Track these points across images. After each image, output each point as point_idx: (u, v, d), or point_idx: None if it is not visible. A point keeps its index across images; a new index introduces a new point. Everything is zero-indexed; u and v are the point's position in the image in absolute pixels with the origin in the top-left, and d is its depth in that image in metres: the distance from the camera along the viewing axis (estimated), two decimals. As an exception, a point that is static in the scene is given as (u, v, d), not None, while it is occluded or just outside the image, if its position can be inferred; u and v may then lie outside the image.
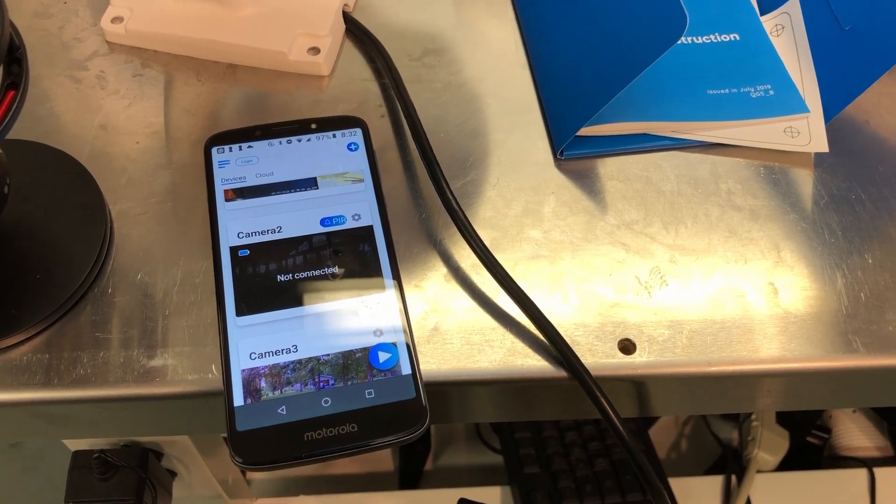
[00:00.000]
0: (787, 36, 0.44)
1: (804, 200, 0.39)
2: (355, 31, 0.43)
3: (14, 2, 0.45)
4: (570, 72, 0.41)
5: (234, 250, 0.35)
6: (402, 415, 0.31)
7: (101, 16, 0.43)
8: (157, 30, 0.42)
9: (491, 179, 0.39)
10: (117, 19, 0.42)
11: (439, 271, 0.36)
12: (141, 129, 0.40)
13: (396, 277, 0.34)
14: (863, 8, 0.40)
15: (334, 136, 0.39)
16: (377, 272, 0.34)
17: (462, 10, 0.46)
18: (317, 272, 0.34)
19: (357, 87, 0.42)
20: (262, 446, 0.30)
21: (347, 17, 0.43)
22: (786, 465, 0.71)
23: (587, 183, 0.39)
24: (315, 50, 0.41)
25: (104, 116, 0.40)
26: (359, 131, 0.39)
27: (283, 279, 0.34)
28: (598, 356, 0.34)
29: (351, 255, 0.35)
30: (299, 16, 0.42)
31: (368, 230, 0.36)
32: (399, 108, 0.41)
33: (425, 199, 0.38)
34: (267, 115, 0.41)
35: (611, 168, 0.40)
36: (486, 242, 0.35)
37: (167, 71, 0.42)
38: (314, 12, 0.42)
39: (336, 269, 0.34)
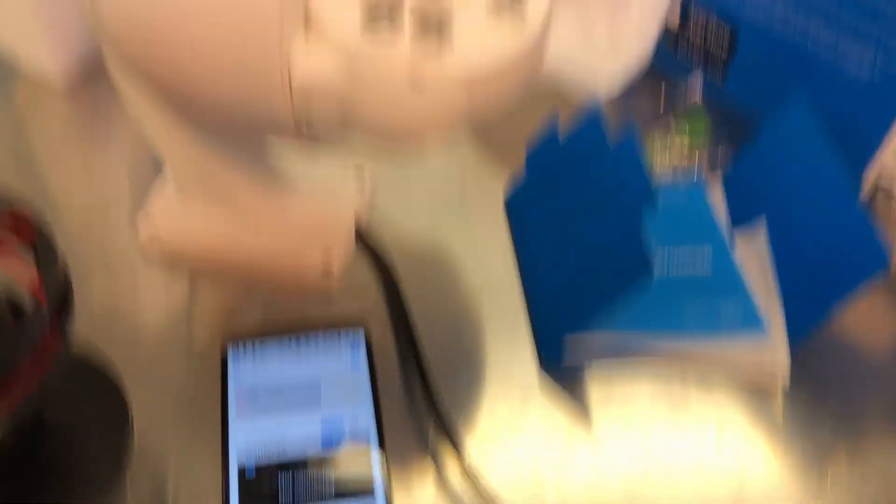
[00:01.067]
0: (755, 263, 0.48)
1: (770, 420, 0.42)
2: (365, 246, 0.48)
3: (63, 211, 0.51)
4: (554, 289, 0.46)
5: (241, 471, 0.39)
6: None
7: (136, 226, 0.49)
8: (185, 245, 0.47)
9: (481, 387, 0.43)
10: (152, 236, 0.48)
11: (430, 477, 0.39)
12: (164, 328, 0.45)
13: (388, 494, 0.38)
14: (821, 237, 0.45)
15: (339, 337, 0.44)
16: (370, 491, 0.38)
17: (465, 223, 0.51)
18: (316, 491, 0.38)
19: (363, 292, 0.47)
20: None
21: (359, 232, 0.49)
22: None
23: (570, 391, 0.43)
24: (327, 270, 0.46)
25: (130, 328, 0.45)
26: (361, 334, 0.44)
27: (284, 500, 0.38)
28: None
29: (347, 475, 0.39)
30: (314, 236, 0.47)
31: (365, 446, 0.40)
32: (398, 317, 0.45)
33: (419, 403, 0.42)
34: (276, 321, 0.45)
35: (593, 378, 0.44)
36: (474, 450, 0.39)
37: (191, 277, 0.48)
38: (328, 233, 0.48)
39: (333, 490, 0.38)
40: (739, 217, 0.50)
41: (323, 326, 0.44)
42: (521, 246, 0.50)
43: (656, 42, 0.54)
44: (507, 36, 0.34)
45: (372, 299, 0.47)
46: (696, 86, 0.58)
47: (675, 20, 0.58)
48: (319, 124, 0.35)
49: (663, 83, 0.59)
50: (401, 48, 0.33)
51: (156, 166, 0.51)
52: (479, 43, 0.33)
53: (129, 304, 0.46)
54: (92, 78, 0.58)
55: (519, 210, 0.51)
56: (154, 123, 0.42)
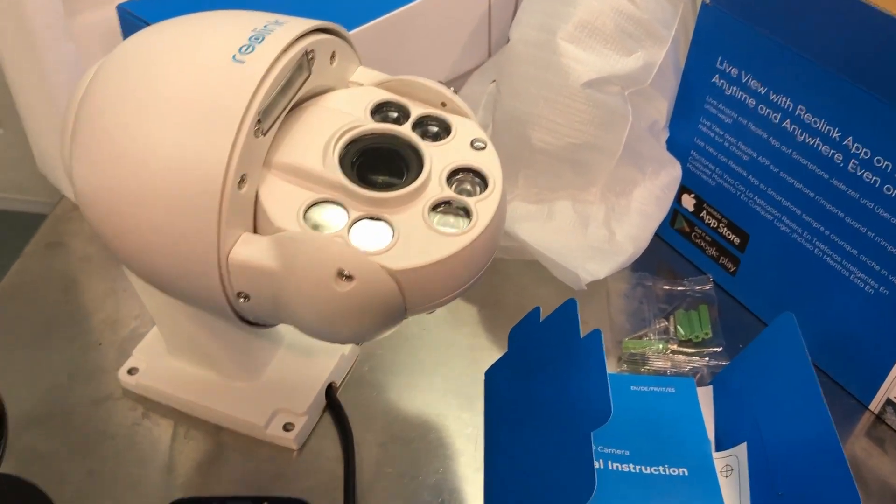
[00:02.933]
0: (733, 480, 0.45)
1: None
2: (333, 412, 0.48)
3: (67, 337, 0.53)
4: (511, 484, 0.44)
5: None
6: None
7: (124, 359, 0.50)
8: (161, 387, 0.48)
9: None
10: (133, 370, 0.49)
11: None
12: (123, 477, 0.45)
13: None
14: (796, 480, 0.42)
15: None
16: None
17: (441, 400, 0.50)
18: None
19: (322, 465, 0.46)
20: None
21: (330, 396, 0.48)
22: None
23: None
24: (289, 426, 0.46)
25: (93, 462, 0.46)
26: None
27: None
28: None
29: None
30: (284, 392, 0.48)
31: None
32: (348, 495, 0.44)
33: None
34: (232, 480, 0.45)
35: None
36: None
37: (162, 424, 0.48)
38: (298, 390, 0.48)
39: None
40: (725, 431, 0.48)
41: (268, 498, 0.43)
42: (491, 427, 0.48)
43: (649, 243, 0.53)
44: (445, 238, 0.34)
45: (329, 471, 0.46)
46: (706, 286, 0.57)
47: (688, 219, 0.58)
48: (257, 312, 0.36)
49: (670, 277, 0.58)
50: (334, 236, 0.33)
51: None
52: (418, 244, 0.34)
53: (99, 436, 0.47)
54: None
55: (494, 387, 0.50)
56: (140, 284, 0.44)
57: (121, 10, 0.52)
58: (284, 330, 0.49)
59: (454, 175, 0.37)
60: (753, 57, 0.49)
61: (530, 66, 0.51)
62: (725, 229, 0.56)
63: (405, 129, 0.37)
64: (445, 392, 0.51)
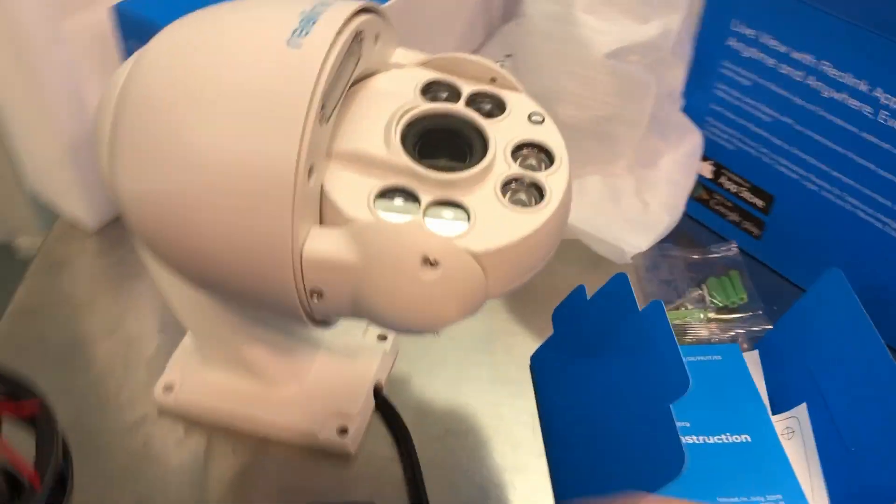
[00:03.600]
0: (797, 441, 0.45)
1: None
2: (384, 412, 0.46)
3: (88, 360, 0.50)
4: (579, 467, 0.43)
5: None
6: None
7: (153, 378, 0.47)
8: (202, 401, 0.46)
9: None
10: (168, 388, 0.46)
11: None
12: (175, 502, 0.43)
13: None
14: (867, 434, 0.42)
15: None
16: None
17: (489, 389, 0.49)
18: None
19: (380, 466, 0.45)
20: None
21: (378, 395, 0.47)
22: None
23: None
24: (344, 431, 0.44)
25: (141, 488, 0.43)
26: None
27: None
28: None
29: None
30: (333, 394, 0.46)
31: None
32: (415, 494, 0.43)
33: None
34: (290, 491, 0.43)
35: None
36: None
37: (207, 441, 0.46)
38: (347, 391, 0.46)
39: None
40: (779, 394, 0.48)
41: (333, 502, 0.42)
42: (546, 411, 0.47)
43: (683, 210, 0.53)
44: (522, 216, 0.33)
45: (388, 473, 0.44)
46: (731, 252, 0.56)
47: (706, 184, 0.58)
48: (331, 309, 0.34)
49: (696, 247, 0.58)
50: (415, 223, 0.32)
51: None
52: (496, 224, 0.33)
53: (141, 461, 0.44)
54: (116, 220, 0.59)
55: (543, 370, 0.49)
56: (175, 295, 0.41)
57: (117, 9, 0.50)
58: (321, 332, 0.47)
59: (518, 151, 0.36)
60: (770, 16, 0.49)
61: (550, 39, 0.50)
62: (748, 193, 0.56)
63: (462, 108, 0.36)
64: (493, 381, 0.49)
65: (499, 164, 0.35)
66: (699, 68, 0.54)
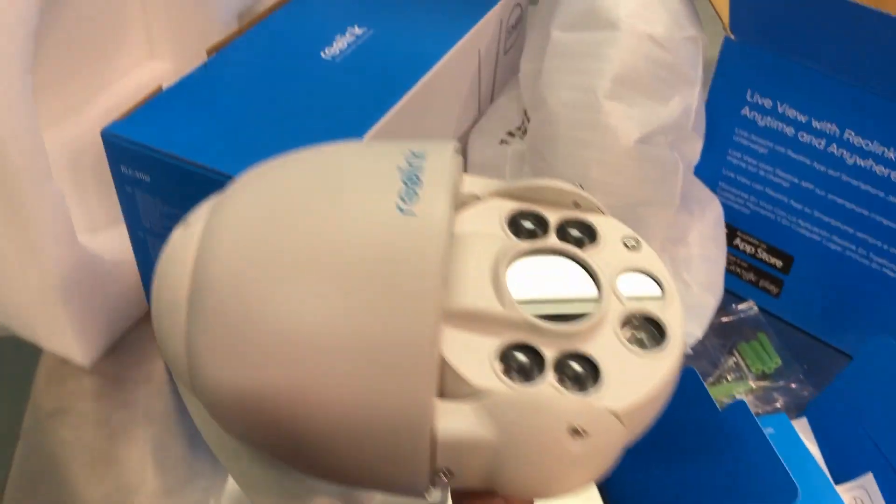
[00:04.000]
0: (869, 514, 0.45)
1: None
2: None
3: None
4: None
5: None
6: None
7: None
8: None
9: None
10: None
11: None
12: None
13: None
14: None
15: None
16: None
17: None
18: None
19: None
20: None
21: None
22: None
23: None
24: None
25: None
26: None
27: None
28: None
29: None
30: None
31: None
32: None
33: None
34: None
35: None
36: None
37: None
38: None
39: None
40: (837, 463, 0.48)
41: None
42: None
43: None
44: (649, 360, 0.31)
45: None
46: (752, 311, 0.56)
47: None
48: (457, 484, 0.31)
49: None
50: (554, 391, 0.30)
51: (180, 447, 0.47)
52: (628, 373, 0.31)
53: None
54: (113, 351, 0.54)
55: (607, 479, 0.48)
56: (237, 464, 0.38)
57: (107, 134, 0.45)
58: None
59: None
60: (789, 86, 0.49)
61: (575, 128, 0.48)
62: (765, 254, 0.56)
63: (559, 243, 0.34)
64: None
65: (613, 302, 0.33)
66: (710, 136, 0.54)
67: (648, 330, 0.33)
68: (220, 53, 0.52)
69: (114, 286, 0.52)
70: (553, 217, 0.35)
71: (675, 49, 0.49)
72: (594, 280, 0.33)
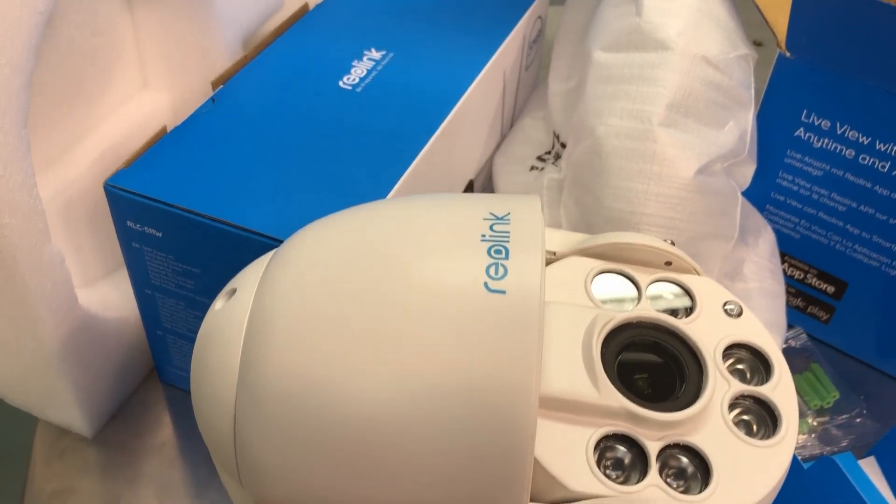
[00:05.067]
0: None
1: None
2: None
3: None
4: None
5: None
6: None
7: None
8: None
9: None
10: None
11: None
12: None
13: None
14: None
15: None
16: None
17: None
18: None
19: None
20: None
21: None
22: None
23: None
24: None
25: None
26: None
27: None
28: None
29: None
30: None
31: None
32: None
33: None
34: None
35: None
36: None
37: None
38: None
39: None
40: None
41: None
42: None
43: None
44: (762, 453, 0.28)
45: None
46: (801, 339, 0.53)
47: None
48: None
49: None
50: (661, 495, 0.26)
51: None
52: (741, 469, 0.27)
53: None
54: (115, 418, 0.49)
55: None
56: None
57: (110, 187, 0.40)
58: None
59: (724, 357, 0.30)
60: (850, 107, 0.46)
61: (627, 159, 0.44)
62: (815, 279, 0.53)
63: (654, 313, 0.30)
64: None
65: (718, 382, 0.29)
66: (759, 158, 0.51)
67: (757, 413, 0.29)
68: (228, 86, 0.46)
69: (116, 347, 0.47)
70: (643, 279, 0.31)
71: (729, 69, 0.45)
72: (696, 357, 0.29)
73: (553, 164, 0.53)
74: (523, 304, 0.25)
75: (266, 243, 0.38)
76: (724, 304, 0.31)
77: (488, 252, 0.26)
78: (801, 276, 0.53)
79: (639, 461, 0.27)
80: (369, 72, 0.48)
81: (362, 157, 0.43)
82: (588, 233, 0.36)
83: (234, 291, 0.28)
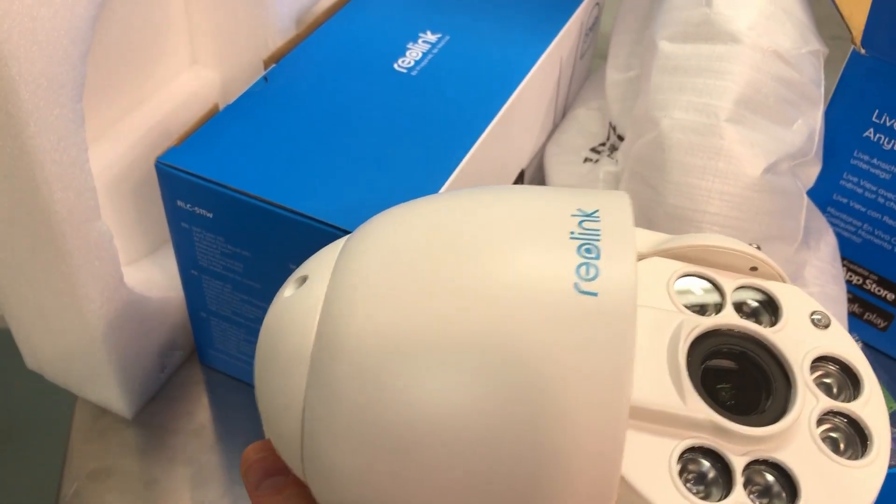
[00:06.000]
0: None
1: None
2: None
3: None
4: None
5: None
6: None
7: None
8: None
9: None
10: None
11: None
12: None
13: None
14: None
15: None
16: None
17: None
18: None
19: None
20: None
21: None
22: None
23: None
24: None
25: None
26: None
27: None
28: None
29: None
30: None
31: None
32: None
33: None
34: None
35: None
36: None
37: None
38: None
39: None
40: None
41: None
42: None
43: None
44: (851, 474, 0.26)
45: None
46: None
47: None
48: None
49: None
50: None
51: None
52: (830, 491, 0.26)
53: None
54: (155, 399, 0.48)
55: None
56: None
57: (162, 165, 0.39)
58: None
59: (812, 370, 0.28)
60: (926, 108, 0.44)
61: (692, 155, 0.42)
62: (874, 285, 0.51)
63: (740, 321, 0.28)
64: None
65: (807, 396, 0.27)
66: (824, 158, 0.49)
67: (846, 431, 0.27)
68: (280, 65, 0.45)
69: (158, 327, 0.46)
70: (728, 284, 0.30)
71: (800, 65, 0.44)
72: (783, 369, 0.28)
73: (609, 156, 0.51)
74: (618, 309, 0.23)
75: (320, 229, 0.37)
76: (812, 313, 0.30)
77: (578, 251, 0.25)
78: (860, 281, 0.52)
79: (722, 476, 0.26)
80: (424, 55, 0.47)
81: (419, 143, 0.41)
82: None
83: (304, 279, 0.27)
